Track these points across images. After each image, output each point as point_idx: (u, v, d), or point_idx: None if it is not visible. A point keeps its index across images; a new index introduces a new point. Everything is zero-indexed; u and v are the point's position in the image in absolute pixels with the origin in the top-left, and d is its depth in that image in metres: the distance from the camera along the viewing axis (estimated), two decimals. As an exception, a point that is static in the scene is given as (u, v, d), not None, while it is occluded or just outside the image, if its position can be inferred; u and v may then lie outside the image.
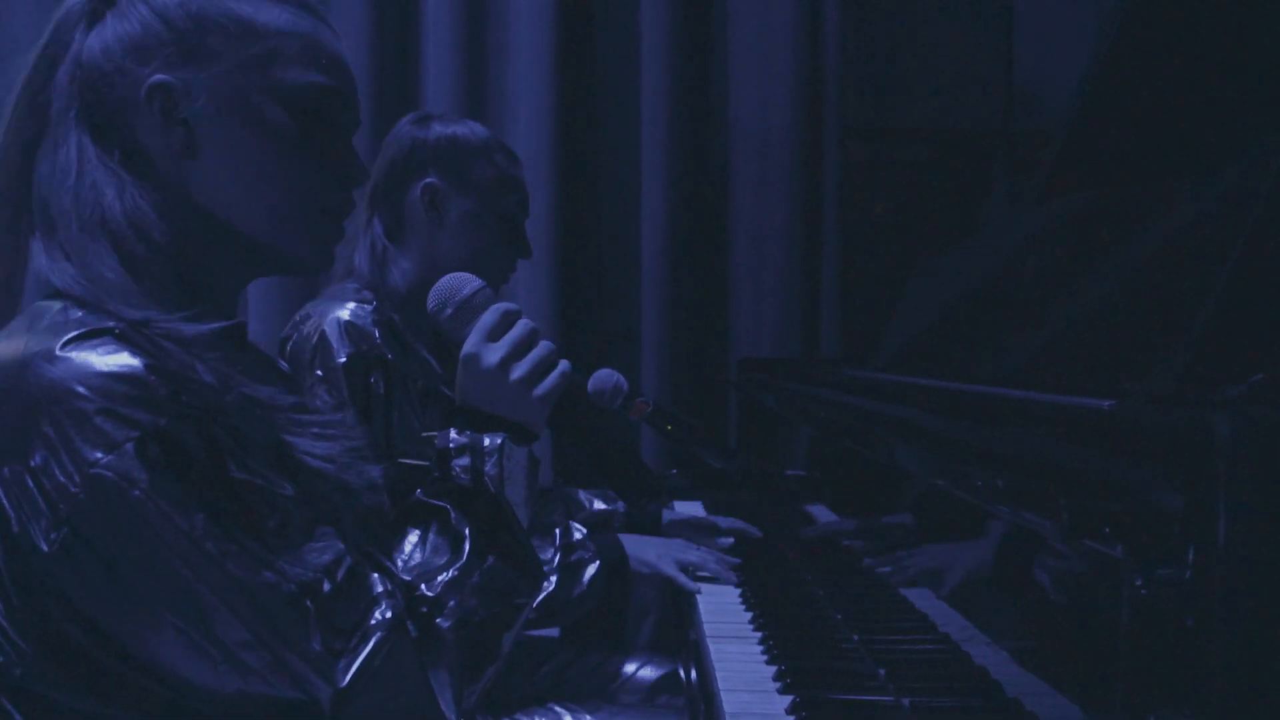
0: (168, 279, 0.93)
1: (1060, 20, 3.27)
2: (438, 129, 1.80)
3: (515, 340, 1.06)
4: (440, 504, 0.99)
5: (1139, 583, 0.78)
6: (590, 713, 1.72)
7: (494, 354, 1.05)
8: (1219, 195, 1.13)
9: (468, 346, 1.07)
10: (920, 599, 1.43)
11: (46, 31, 0.97)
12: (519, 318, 1.09)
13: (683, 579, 1.68)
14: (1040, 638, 1.05)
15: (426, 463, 1.02)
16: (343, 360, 1.62)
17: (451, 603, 0.92)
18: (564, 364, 1.09)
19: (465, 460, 1.01)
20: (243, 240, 0.98)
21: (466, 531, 0.97)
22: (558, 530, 1.72)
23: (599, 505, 1.99)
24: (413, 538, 0.97)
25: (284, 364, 1.35)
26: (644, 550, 1.73)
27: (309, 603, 0.84)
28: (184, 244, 0.96)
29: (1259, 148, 1.10)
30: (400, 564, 0.95)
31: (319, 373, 1.62)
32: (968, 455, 1.12)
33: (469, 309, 1.11)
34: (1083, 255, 1.44)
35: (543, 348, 1.08)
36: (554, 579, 1.65)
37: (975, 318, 1.73)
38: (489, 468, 1.01)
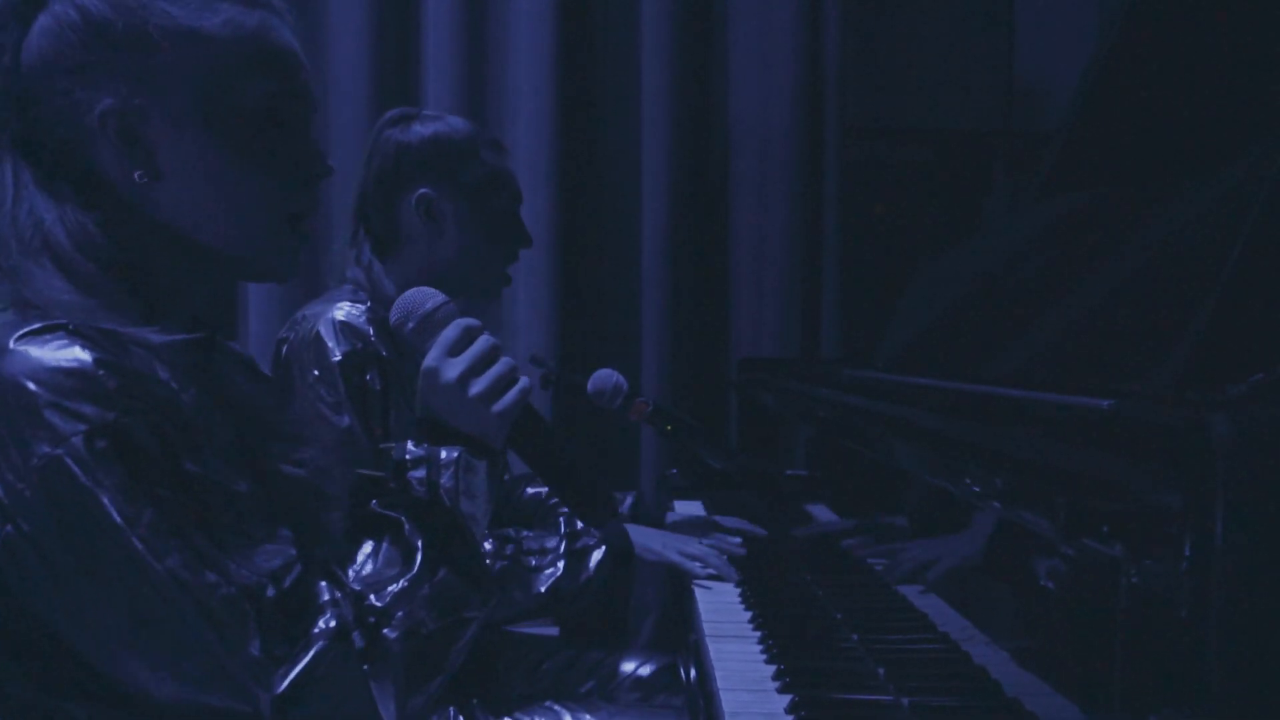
0: (123, 294, 0.92)
1: (1061, 20, 3.27)
2: (419, 130, 1.78)
3: (475, 355, 1.06)
4: (394, 515, 0.98)
5: (1137, 582, 0.78)
6: (590, 711, 1.72)
7: (454, 369, 1.05)
8: (1219, 195, 1.13)
9: (428, 360, 1.07)
10: (919, 599, 1.43)
11: None
12: (480, 333, 1.09)
13: (688, 564, 1.68)
14: (1040, 637, 1.05)
15: (383, 474, 1.02)
16: (338, 359, 1.62)
17: (400, 614, 0.92)
18: (524, 380, 1.09)
19: (421, 473, 1.01)
20: (208, 253, 0.98)
21: (419, 544, 0.96)
22: (562, 518, 1.72)
23: (529, 491, 2.02)
24: (366, 548, 0.96)
25: (268, 367, 1.35)
26: (650, 539, 1.74)
27: (249, 606, 0.84)
28: (143, 259, 0.96)
29: (1259, 148, 1.10)
30: (352, 574, 0.94)
31: (315, 372, 1.62)
32: (968, 455, 1.12)
33: (431, 323, 1.11)
34: (1082, 255, 1.44)
35: (502, 364, 1.07)
36: (560, 565, 1.65)
37: (975, 317, 1.73)
38: (445, 480, 1.00)
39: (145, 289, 0.95)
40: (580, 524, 1.71)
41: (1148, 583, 0.77)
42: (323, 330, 1.64)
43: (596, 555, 1.68)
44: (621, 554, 1.70)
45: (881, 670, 1.23)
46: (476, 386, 1.05)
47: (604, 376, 2.00)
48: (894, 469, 1.49)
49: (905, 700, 1.14)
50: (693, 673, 1.43)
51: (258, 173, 0.97)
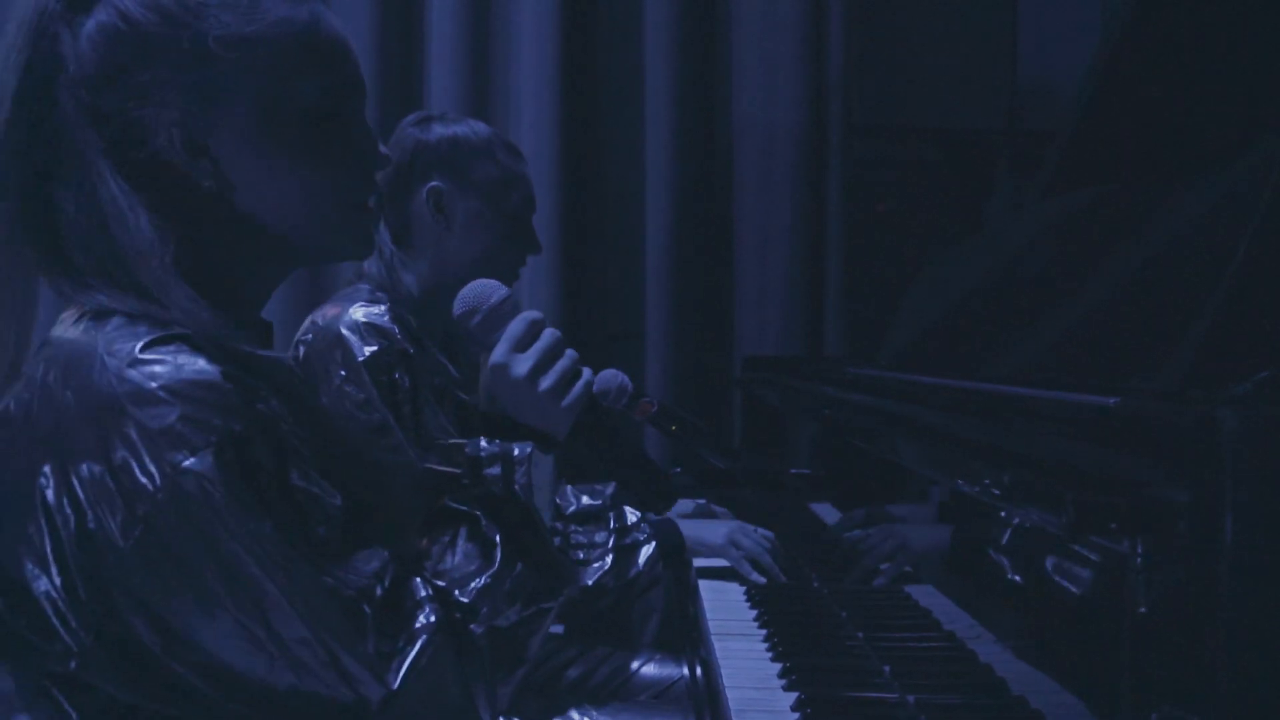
0: (223, 301, 0.94)
1: (1065, 19, 3.27)
2: (438, 130, 1.80)
3: (543, 350, 1.09)
4: (471, 510, 1.01)
5: (1144, 578, 0.78)
6: (595, 709, 1.72)
7: (523, 364, 1.08)
8: (1224, 193, 1.13)
9: (496, 356, 1.09)
10: (924, 596, 1.43)
11: (16, 34, 0.92)
12: (544, 327, 1.11)
13: (746, 567, 1.68)
14: (1045, 634, 1.05)
15: (455, 469, 1.04)
16: (364, 358, 1.62)
17: (485, 609, 0.95)
18: (587, 372, 1.12)
19: (496, 469, 1.03)
20: (285, 245, 0.99)
21: (497, 539, 0.99)
22: (611, 514, 1.72)
23: (585, 500, 2.00)
24: (443, 543, 0.99)
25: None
26: (704, 531, 1.74)
27: (365, 607, 0.87)
28: (230, 255, 0.97)
29: (1264, 145, 1.10)
30: (429, 568, 0.98)
31: (342, 372, 1.62)
32: (973, 452, 1.12)
33: (497, 316, 1.13)
34: (1087, 252, 1.44)
35: (568, 358, 1.10)
36: (609, 559, 1.65)
37: (980, 315, 1.73)
38: (519, 476, 1.03)
39: (232, 293, 0.97)
40: (631, 519, 1.71)
41: (1154, 579, 0.77)
42: (345, 331, 1.64)
43: (646, 551, 1.68)
44: (672, 549, 1.70)
45: (887, 668, 1.24)
46: (546, 382, 1.08)
47: (609, 376, 2.00)
48: (899, 467, 1.49)
49: (910, 698, 1.14)
50: (698, 670, 1.43)
51: (323, 169, 0.98)
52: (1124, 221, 1.37)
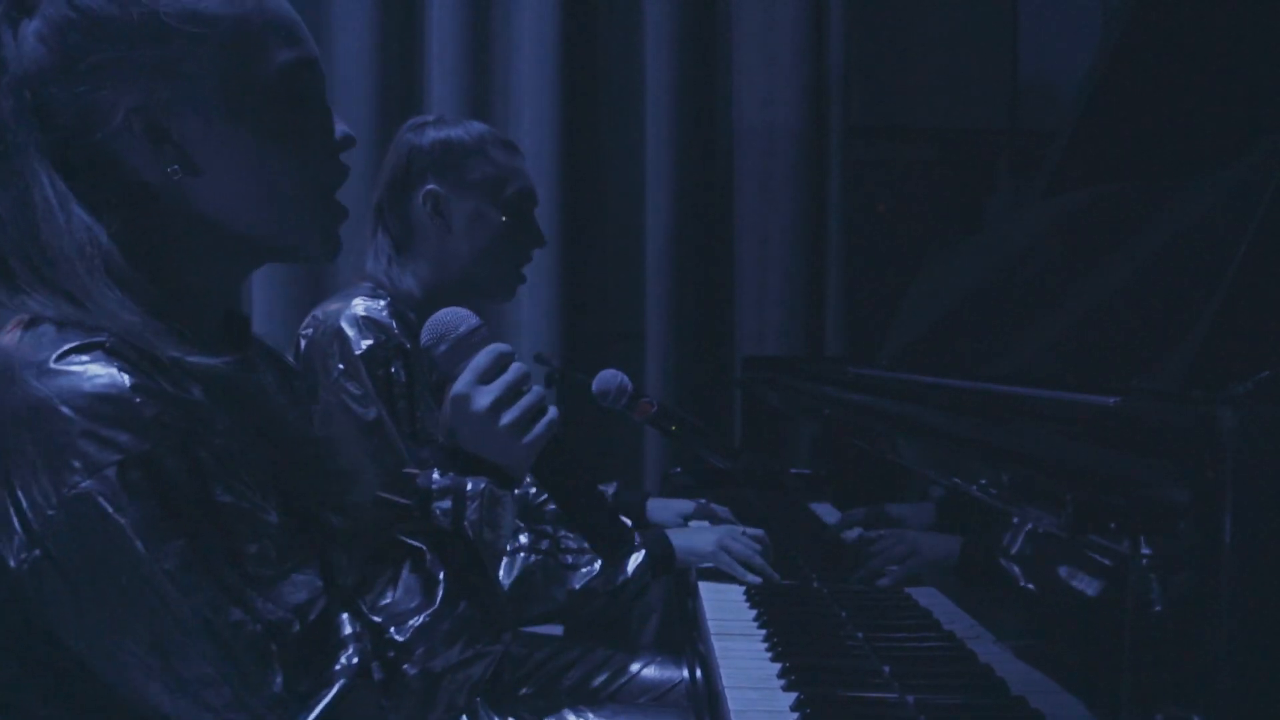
0: (167, 303, 0.90)
1: (1065, 19, 3.27)
2: (432, 134, 1.81)
3: (507, 384, 1.04)
4: (416, 544, 0.96)
5: (1145, 578, 0.77)
6: (594, 711, 1.72)
7: (485, 397, 1.03)
8: (1224, 192, 1.13)
9: (459, 386, 1.05)
10: (924, 596, 1.43)
11: None
12: (512, 361, 1.07)
13: (740, 570, 1.68)
14: (1045, 634, 1.05)
15: (404, 500, 1.00)
16: (361, 351, 1.63)
17: (420, 650, 0.90)
18: (552, 411, 1.07)
19: (447, 503, 0.99)
20: (249, 242, 0.97)
21: (441, 576, 0.94)
22: None
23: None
24: (385, 576, 0.94)
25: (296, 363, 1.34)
26: (695, 541, 1.73)
27: (274, 645, 0.83)
28: (184, 259, 0.94)
29: (1265, 144, 1.10)
30: (369, 601, 0.93)
31: (340, 366, 1.63)
32: (973, 452, 1.12)
33: (465, 346, 1.09)
34: (1087, 252, 1.44)
35: (533, 394, 1.06)
36: (597, 564, 1.65)
37: (980, 315, 1.73)
38: (470, 513, 0.99)
39: (186, 291, 0.94)
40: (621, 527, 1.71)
41: (1154, 579, 0.77)
42: (344, 324, 1.65)
43: (635, 559, 1.68)
44: (662, 558, 1.70)
45: (887, 668, 1.23)
46: (508, 417, 1.03)
47: (609, 377, 2.00)
48: (899, 467, 1.49)
49: (910, 698, 1.14)
50: (698, 671, 1.43)
51: (289, 149, 0.95)
52: (1124, 221, 1.36)
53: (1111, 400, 0.88)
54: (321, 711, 0.83)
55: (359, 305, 1.67)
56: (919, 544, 1.49)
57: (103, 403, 0.80)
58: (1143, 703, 0.78)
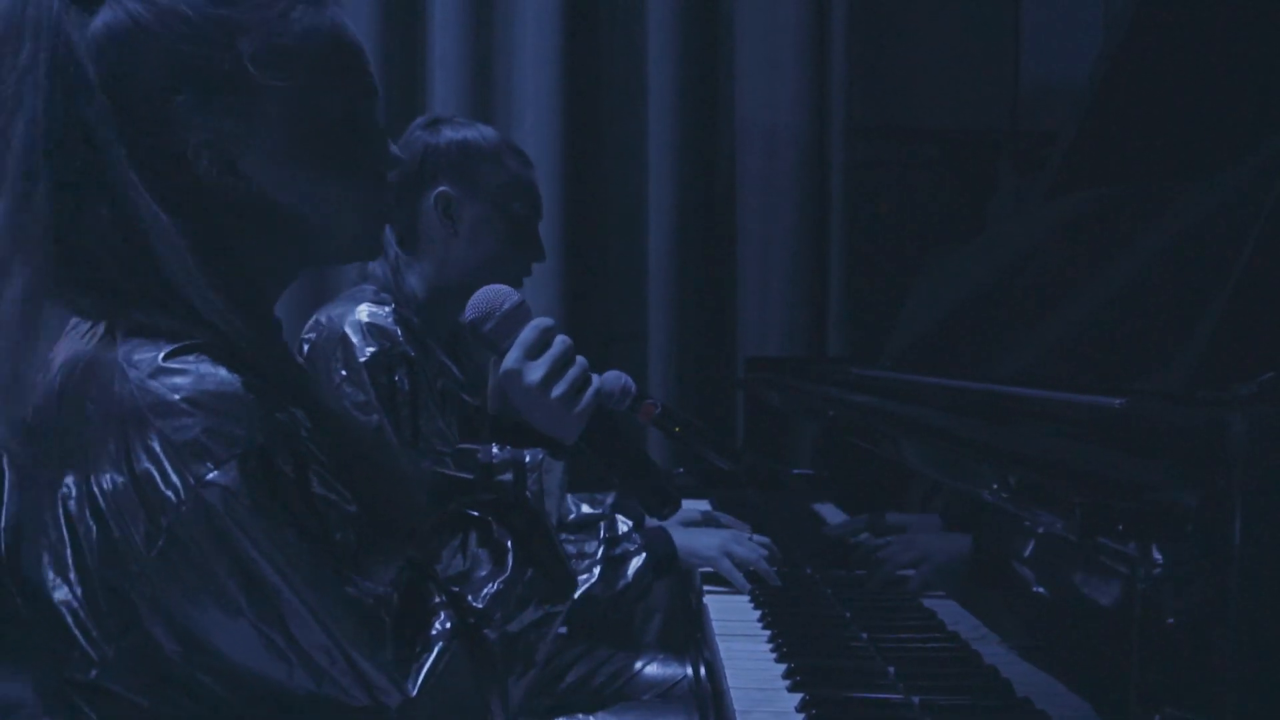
0: (240, 301, 0.93)
1: (1067, 19, 3.26)
2: (448, 134, 1.80)
3: (555, 358, 1.10)
4: (482, 516, 1.03)
5: (1151, 580, 0.78)
6: (598, 710, 1.72)
7: (535, 371, 1.09)
8: (1229, 193, 1.13)
9: (509, 362, 1.09)
10: (929, 598, 1.43)
11: (18, 39, 0.88)
12: (556, 334, 1.12)
13: (738, 577, 1.67)
14: (1052, 636, 1.05)
15: (465, 474, 1.06)
16: (365, 358, 1.62)
17: (498, 614, 0.97)
18: (596, 379, 1.13)
19: (508, 475, 1.05)
20: (304, 250, 1.01)
21: (509, 544, 1.01)
22: (602, 523, 1.71)
23: (585, 509, 1.98)
24: (452, 546, 1.01)
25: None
26: (697, 541, 1.73)
27: (384, 615, 0.88)
28: (244, 253, 0.97)
29: (1270, 145, 1.10)
30: (440, 572, 0.99)
31: (343, 372, 1.62)
32: (977, 454, 1.12)
33: (511, 322, 1.13)
34: (1091, 254, 1.44)
35: (578, 365, 1.11)
36: (596, 571, 1.65)
37: (983, 316, 1.73)
38: (530, 483, 1.05)
39: (254, 293, 0.97)
40: (623, 529, 1.70)
41: (1162, 581, 0.77)
42: (349, 330, 1.64)
43: (636, 562, 1.67)
44: (664, 560, 1.70)
45: (891, 669, 1.24)
46: (558, 389, 1.09)
47: (612, 378, 2.00)
48: (902, 468, 1.49)
49: (915, 699, 1.14)
50: (702, 671, 1.43)
51: (347, 178, 0.98)
52: (1128, 222, 1.37)
53: (1117, 402, 0.88)
54: (427, 674, 0.90)
55: (364, 311, 1.66)
56: (929, 549, 1.49)
57: (220, 400, 0.84)
58: (1149, 705, 0.78)
